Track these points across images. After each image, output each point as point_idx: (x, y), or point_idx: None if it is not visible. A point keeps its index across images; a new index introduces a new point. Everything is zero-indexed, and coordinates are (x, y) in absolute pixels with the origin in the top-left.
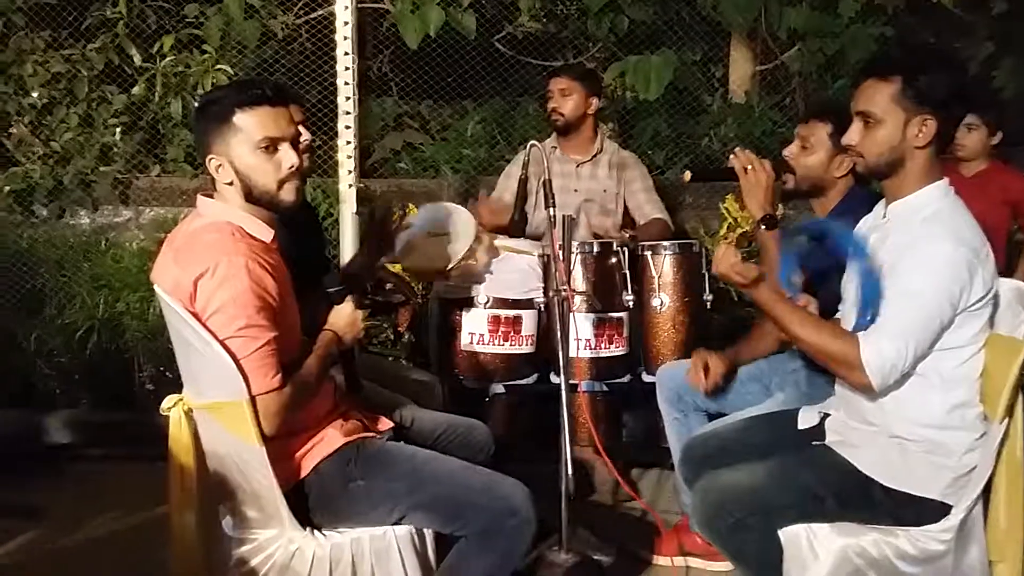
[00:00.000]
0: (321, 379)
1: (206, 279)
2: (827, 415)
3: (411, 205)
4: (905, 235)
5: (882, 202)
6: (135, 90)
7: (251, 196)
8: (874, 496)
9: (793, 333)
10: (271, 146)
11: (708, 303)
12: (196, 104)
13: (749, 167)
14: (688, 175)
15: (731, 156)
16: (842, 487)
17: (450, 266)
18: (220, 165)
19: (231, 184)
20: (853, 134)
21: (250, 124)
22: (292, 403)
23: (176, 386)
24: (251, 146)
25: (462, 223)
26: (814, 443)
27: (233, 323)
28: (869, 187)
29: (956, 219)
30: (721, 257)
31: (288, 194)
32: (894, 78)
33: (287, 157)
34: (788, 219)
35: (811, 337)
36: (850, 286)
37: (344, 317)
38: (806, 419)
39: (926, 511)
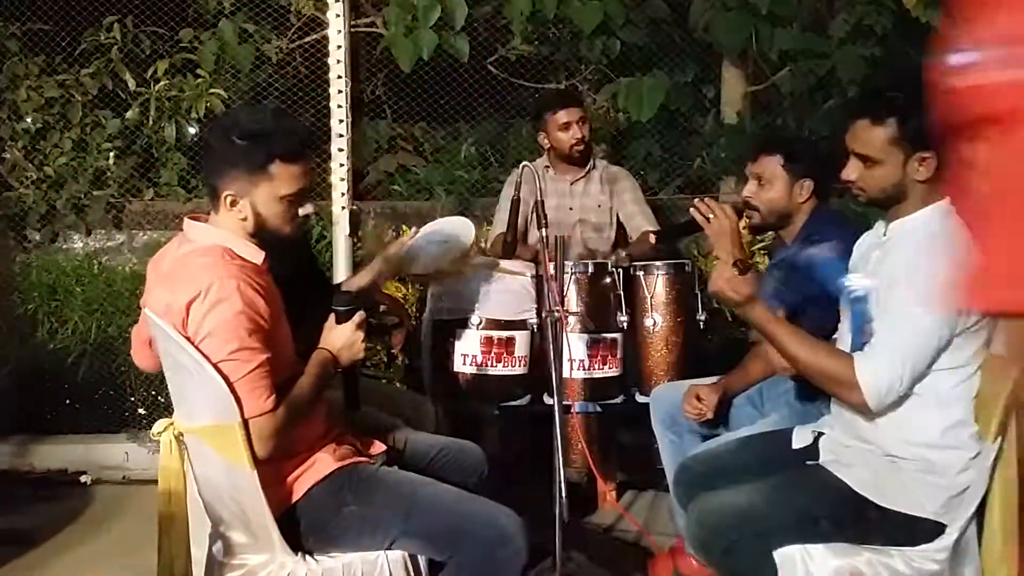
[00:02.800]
0: (315, 400)
1: (198, 302)
2: (821, 434)
3: (404, 227)
4: (905, 254)
5: (881, 221)
6: (129, 114)
7: (259, 234)
8: (868, 515)
9: (789, 353)
10: (298, 199)
11: (702, 323)
12: (222, 130)
13: (711, 216)
14: (652, 238)
15: (691, 209)
16: (836, 507)
17: (457, 259)
18: (235, 201)
19: (244, 220)
20: (852, 171)
21: (285, 177)
22: (285, 425)
23: (167, 410)
24: (278, 196)
25: (460, 227)
26: (808, 463)
27: (226, 347)
28: (830, 206)
29: (956, 239)
30: (718, 274)
31: (294, 233)
32: (888, 121)
33: (305, 208)
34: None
35: (807, 356)
36: (846, 306)
37: (342, 337)
38: (800, 438)
39: (920, 531)
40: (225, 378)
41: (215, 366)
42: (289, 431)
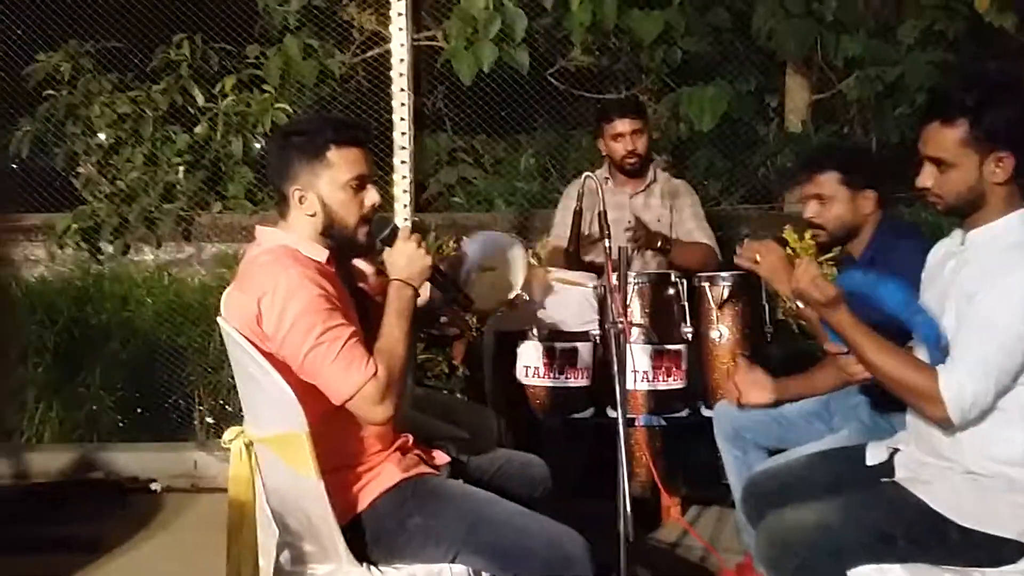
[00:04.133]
0: (407, 336)
1: (268, 298)
2: (896, 450)
3: (465, 238)
4: (985, 264)
5: (958, 230)
6: (198, 129)
7: (329, 230)
8: (948, 535)
9: (871, 361)
10: (360, 184)
11: (769, 335)
12: (280, 133)
13: (756, 257)
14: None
15: (734, 258)
16: (914, 526)
17: (510, 296)
18: (304, 196)
19: (313, 216)
20: (927, 178)
21: (343, 162)
22: (392, 379)
23: (235, 419)
24: (341, 183)
25: (513, 255)
26: (883, 480)
27: (311, 332)
28: (897, 215)
29: None
30: (803, 271)
31: (362, 236)
32: (959, 121)
33: (370, 195)
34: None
35: (888, 366)
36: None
37: (402, 255)
38: (874, 455)
39: (1004, 551)
40: (313, 369)
41: (303, 357)
42: (399, 382)
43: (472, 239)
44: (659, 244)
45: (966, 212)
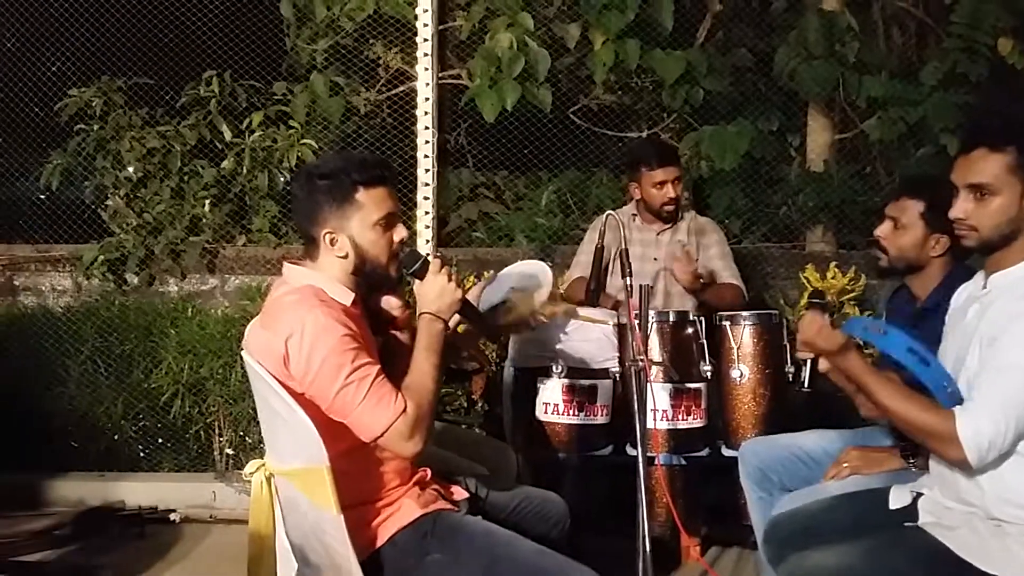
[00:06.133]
0: (436, 370)
1: (296, 338)
2: (920, 494)
3: (486, 273)
4: (1006, 307)
5: (981, 273)
6: (224, 164)
7: (360, 269)
8: None
9: (884, 405)
10: (389, 222)
11: (790, 375)
12: (305, 177)
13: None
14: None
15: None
16: (937, 572)
17: (536, 309)
18: (335, 239)
19: (344, 257)
20: (962, 208)
21: (372, 202)
22: (421, 414)
23: (255, 451)
24: (371, 223)
25: (543, 279)
26: (906, 524)
27: (340, 372)
28: (969, 264)
29: None
30: (808, 323)
31: (393, 271)
32: (1008, 148)
33: (399, 231)
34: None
35: (903, 409)
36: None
37: (432, 289)
38: (898, 498)
39: None
40: (342, 407)
41: (336, 393)
42: (428, 416)
43: (509, 268)
44: (700, 283)
45: (996, 247)
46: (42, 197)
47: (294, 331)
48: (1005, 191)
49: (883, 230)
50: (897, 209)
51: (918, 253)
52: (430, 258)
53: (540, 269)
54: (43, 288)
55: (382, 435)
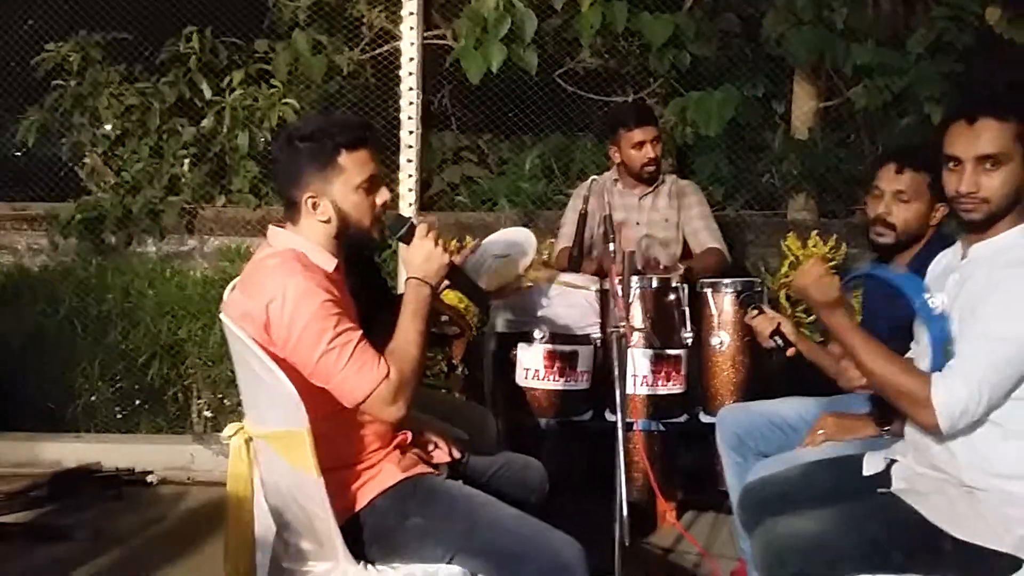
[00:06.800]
0: (422, 336)
1: (277, 303)
2: (894, 461)
3: (468, 238)
4: (988, 277)
5: (959, 243)
6: (204, 123)
7: (344, 232)
8: (943, 548)
9: (866, 365)
10: (372, 185)
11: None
12: (285, 140)
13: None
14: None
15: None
16: (909, 537)
17: (520, 273)
18: (317, 203)
19: (327, 221)
20: (973, 181)
21: (355, 165)
22: (404, 379)
23: (233, 413)
24: (354, 186)
25: (522, 238)
26: (880, 490)
27: (322, 337)
28: (947, 232)
29: None
30: (808, 269)
31: (376, 233)
32: (1012, 117)
33: (381, 194)
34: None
35: (882, 369)
36: (922, 328)
37: (419, 253)
38: (871, 465)
39: (997, 565)
40: (325, 372)
41: (318, 358)
42: (412, 382)
43: (493, 235)
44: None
45: (1000, 218)
46: (18, 154)
47: (275, 296)
48: (1015, 160)
49: (886, 206)
50: (901, 182)
51: (920, 224)
52: (416, 221)
53: (524, 236)
54: (19, 247)
55: (364, 400)
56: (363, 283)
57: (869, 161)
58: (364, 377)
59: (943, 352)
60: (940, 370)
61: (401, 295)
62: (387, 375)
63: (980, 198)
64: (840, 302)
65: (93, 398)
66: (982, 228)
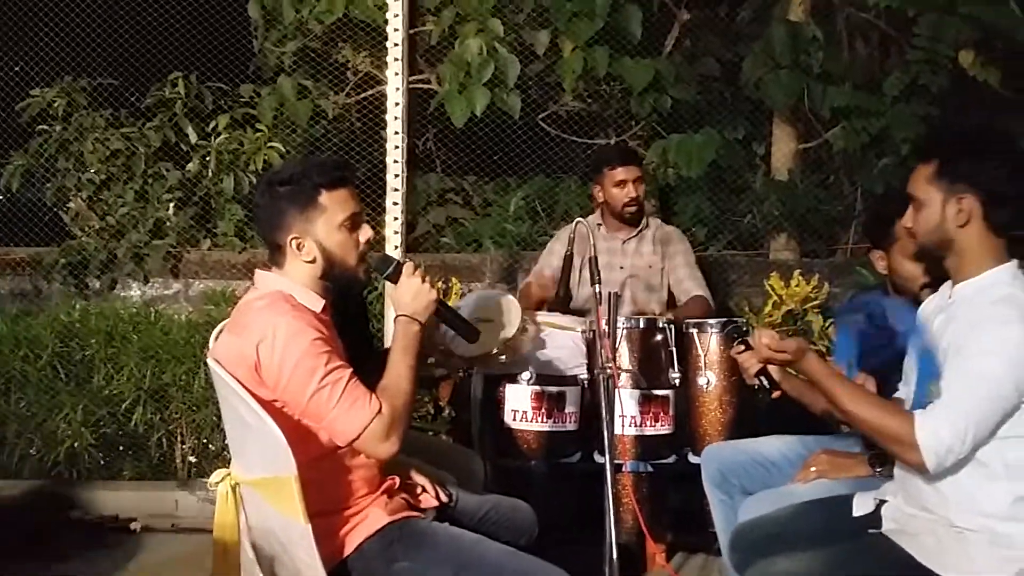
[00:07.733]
0: (412, 372)
1: (267, 343)
2: (883, 501)
3: (454, 280)
4: (972, 317)
5: (948, 283)
6: (190, 167)
7: (329, 273)
8: None
9: (844, 408)
10: (354, 223)
11: (756, 383)
12: (265, 185)
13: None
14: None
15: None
16: None
17: (495, 350)
18: (301, 244)
19: (312, 261)
20: (908, 216)
21: (335, 203)
22: (396, 415)
23: (218, 458)
24: (336, 224)
25: (508, 310)
26: (870, 531)
27: (313, 376)
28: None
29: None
30: (758, 345)
31: (362, 272)
32: (932, 160)
33: (364, 232)
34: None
35: (863, 412)
36: (911, 365)
37: (407, 291)
38: (861, 505)
39: None
40: (318, 411)
41: (310, 396)
42: (404, 418)
43: (466, 297)
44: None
45: (935, 255)
46: (1, 199)
47: (265, 336)
48: (928, 201)
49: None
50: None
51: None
52: (403, 261)
53: (509, 304)
54: (2, 291)
55: (358, 437)
56: (348, 332)
57: (849, 202)
58: (357, 414)
59: (926, 391)
60: (923, 407)
61: (387, 349)
62: (379, 411)
63: (911, 233)
64: (804, 348)
65: (76, 444)
66: (924, 261)
